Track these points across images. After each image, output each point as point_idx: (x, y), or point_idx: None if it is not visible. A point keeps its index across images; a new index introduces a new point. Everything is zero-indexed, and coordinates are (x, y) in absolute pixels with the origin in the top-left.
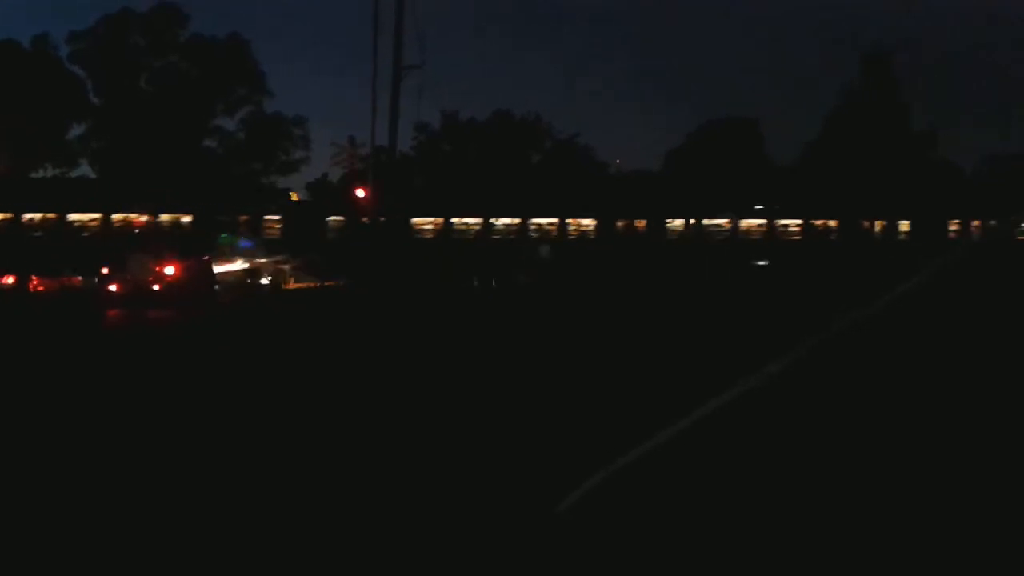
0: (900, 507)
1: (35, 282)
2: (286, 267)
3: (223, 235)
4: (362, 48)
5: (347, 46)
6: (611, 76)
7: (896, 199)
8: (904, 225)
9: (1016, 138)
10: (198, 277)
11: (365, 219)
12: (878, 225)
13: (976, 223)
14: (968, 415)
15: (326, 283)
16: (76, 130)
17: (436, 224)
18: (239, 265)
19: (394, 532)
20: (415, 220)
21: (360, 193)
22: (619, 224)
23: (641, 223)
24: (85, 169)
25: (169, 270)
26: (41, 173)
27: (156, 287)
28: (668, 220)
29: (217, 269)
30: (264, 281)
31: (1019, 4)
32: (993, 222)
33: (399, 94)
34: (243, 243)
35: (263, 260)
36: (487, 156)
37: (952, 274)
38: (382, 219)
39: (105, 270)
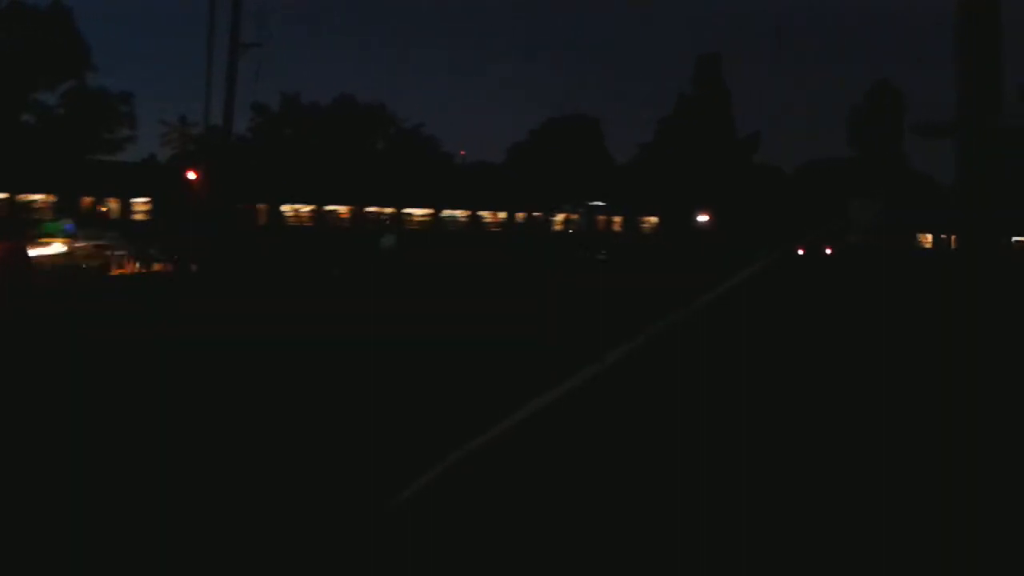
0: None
1: None
2: (111, 252)
3: (48, 223)
4: (200, 23)
5: (183, 21)
6: (460, 69)
7: (718, 199)
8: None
9: (836, 143)
10: (10, 261)
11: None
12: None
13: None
14: (787, 408)
15: (154, 268)
16: None
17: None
18: (56, 248)
19: (221, 530)
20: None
21: (191, 175)
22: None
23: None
24: None
25: None
26: None
27: None
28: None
29: (32, 253)
30: (84, 266)
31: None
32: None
33: (236, 72)
34: (68, 226)
35: (84, 243)
36: (329, 141)
37: (771, 274)
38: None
39: None
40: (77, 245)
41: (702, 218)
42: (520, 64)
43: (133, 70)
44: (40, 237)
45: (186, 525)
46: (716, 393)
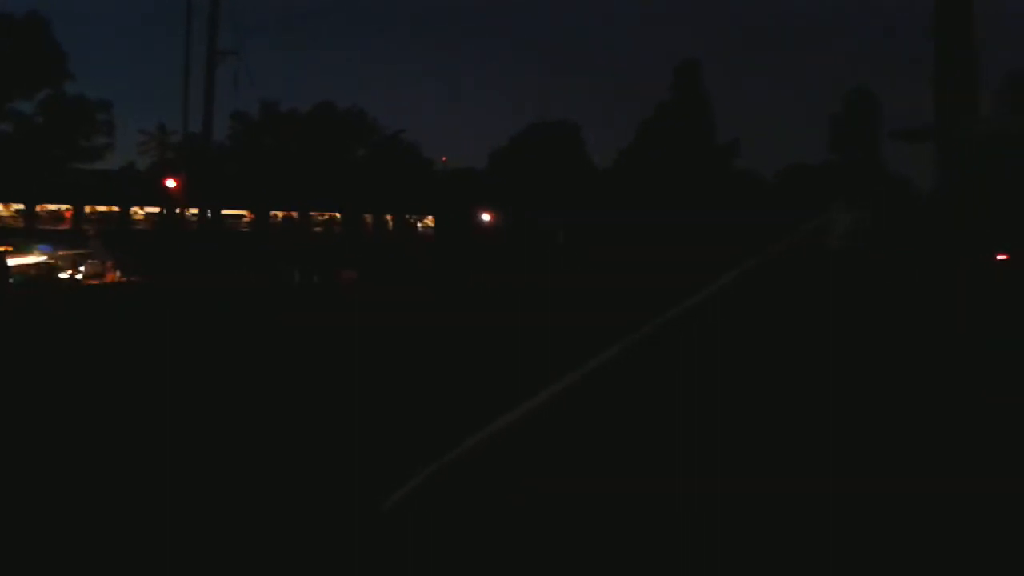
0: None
1: None
2: (97, 261)
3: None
4: (178, 32)
5: (162, 29)
6: (441, 75)
7: (700, 205)
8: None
9: (815, 149)
10: None
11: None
12: None
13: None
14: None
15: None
16: None
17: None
18: (36, 258)
19: (216, 532)
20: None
21: (171, 183)
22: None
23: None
24: None
25: None
26: None
27: None
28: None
29: (11, 262)
30: (64, 275)
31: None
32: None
33: (214, 80)
34: (42, 247)
35: (64, 252)
36: (309, 148)
37: (756, 278)
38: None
39: None
40: (58, 254)
41: (484, 216)
42: (501, 70)
43: (111, 78)
44: (15, 244)
45: (180, 526)
46: (709, 394)
